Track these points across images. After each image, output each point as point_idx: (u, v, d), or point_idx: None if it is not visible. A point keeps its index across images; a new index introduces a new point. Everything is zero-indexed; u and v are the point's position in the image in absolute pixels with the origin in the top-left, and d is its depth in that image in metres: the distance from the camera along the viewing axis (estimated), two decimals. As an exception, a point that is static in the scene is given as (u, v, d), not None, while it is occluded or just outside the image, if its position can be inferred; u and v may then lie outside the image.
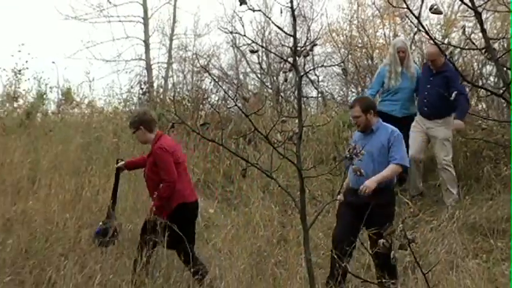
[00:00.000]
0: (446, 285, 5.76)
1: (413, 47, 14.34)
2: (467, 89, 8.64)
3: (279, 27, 3.49)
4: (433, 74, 8.30)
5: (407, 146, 8.58)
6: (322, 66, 14.79)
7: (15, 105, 11.89)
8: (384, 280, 5.54)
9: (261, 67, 16.32)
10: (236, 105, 5.18)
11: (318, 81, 15.36)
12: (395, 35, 14.90)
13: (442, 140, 8.25)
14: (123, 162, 6.82)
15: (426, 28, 3.08)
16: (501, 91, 2.64)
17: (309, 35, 13.82)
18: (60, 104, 12.77)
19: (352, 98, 15.20)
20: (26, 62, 11.87)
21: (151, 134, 6.49)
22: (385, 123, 6.47)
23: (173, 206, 6.23)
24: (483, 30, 2.53)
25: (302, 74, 3.26)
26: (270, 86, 15.49)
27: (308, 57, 3.36)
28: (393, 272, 5.86)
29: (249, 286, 5.43)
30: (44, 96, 12.37)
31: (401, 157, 6.20)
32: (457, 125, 8.28)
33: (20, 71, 11.90)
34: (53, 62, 14.34)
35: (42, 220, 6.95)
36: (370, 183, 6.00)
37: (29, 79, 12.33)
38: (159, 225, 6.09)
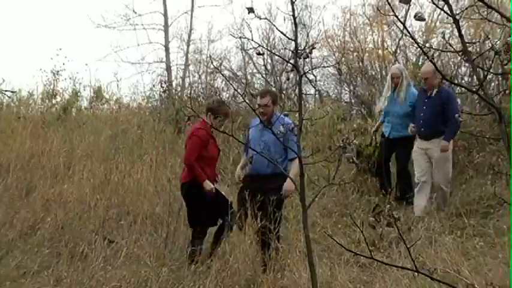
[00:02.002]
0: (425, 258, 5.74)
1: (398, 51, 14.32)
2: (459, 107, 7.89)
3: (282, 33, 3.46)
4: (428, 96, 7.58)
5: (405, 167, 8.15)
6: (321, 67, 14.74)
7: (54, 101, 11.93)
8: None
9: (266, 68, 16.23)
10: (245, 101, 5.13)
11: (316, 80, 15.30)
12: (383, 41, 14.84)
13: (439, 160, 7.46)
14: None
15: (411, 33, 3.03)
16: (475, 88, 2.59)
17: (308, 40, 13.80)
18: (92, 101, 12.76)
19: (345, 96, 15.24)
20: (63, 64, 11.90)
21: None
22: (282, 116, 5.87)
23: None
24: (461, 35, 2.48)
25: (302, 73, 3.22)
26: (273, 85, 15.41)
27: (307, 60, 3.31)
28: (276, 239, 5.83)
29: (254, 258, 5.41)
30: (78, 94, 12.40)
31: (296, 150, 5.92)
32: (442, 146, 7.42)
33: (57, 72, 11.93)
34: (86, 64, 14.43)
35: (76, 201, 6.99)
36: (289, 187, 5.88)
37: (65, 79, 12.39)
38: None
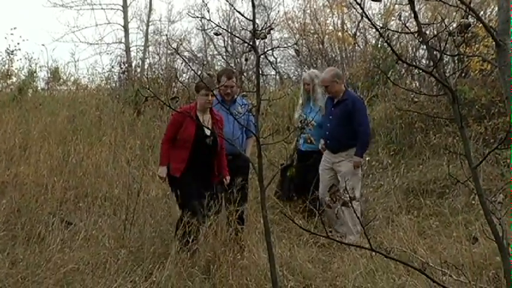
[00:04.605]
0: (383, 237, 5.85)
1: (358, 33, 14.43)
2: (369, 119, 7.11)
3: (239, 13, 3.44)
4: (334, 104, 6.86)
5: (317, 182, 6.95)
6: (278, 47, 14.78)
7: (9, 82, 11.68)
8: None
9: (226, 50, 16.21)
10: (202, 81, 5.08)
11: (276, 62, 15.38)
12: (343, 23, 14.94)
13: (345, 174, 6.54)
14: None
15: (368, 16, 3.05)
16: (431, 69, 2.64)
17: (268, 22, 13.80)
18: (48, 82, 12.54)
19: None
20: (18, 44, 11.72)
21: None
22: (239, 97, 6.13)
23: None
24: (416, 16, 2.51)
25: (260, 54, 3.21)
26: (234, 67, 15.40)
27: (267, 42, 3.30)
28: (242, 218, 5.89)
29: (215, 237, 5.41)
30: (35, 74, 12.16)
31: (253, 129, 6.03)
32: (354, 162, 6.62)
33: (12, 51, 11.72)
34: (43, 45, 14.17)
35: (32, 183, 6.85)
36: None
37: (21, 59, 12.27)
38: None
